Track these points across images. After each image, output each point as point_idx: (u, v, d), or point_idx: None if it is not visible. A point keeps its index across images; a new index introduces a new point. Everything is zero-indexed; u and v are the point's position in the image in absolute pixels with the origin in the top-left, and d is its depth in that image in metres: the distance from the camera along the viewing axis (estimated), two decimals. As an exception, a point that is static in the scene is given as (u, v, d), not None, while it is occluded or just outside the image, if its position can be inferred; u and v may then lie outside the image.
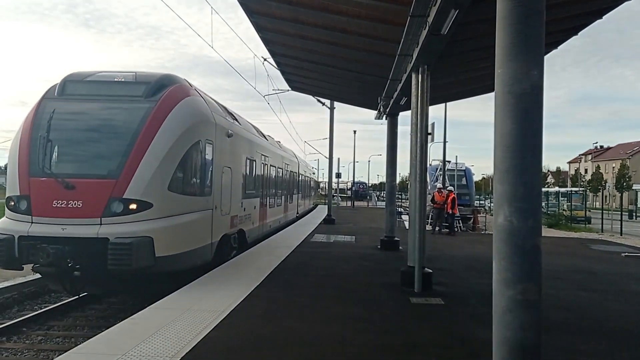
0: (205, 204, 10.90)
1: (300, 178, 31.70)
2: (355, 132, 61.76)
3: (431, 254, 13.06)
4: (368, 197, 71.53)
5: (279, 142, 25.40)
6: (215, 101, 12.82)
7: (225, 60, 20.92)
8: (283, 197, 23.21)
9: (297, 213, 29.73)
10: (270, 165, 19.05)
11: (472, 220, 27.49)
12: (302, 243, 16.82)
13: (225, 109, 13.66)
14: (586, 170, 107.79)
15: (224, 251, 12.46)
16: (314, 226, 23.86)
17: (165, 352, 5.74)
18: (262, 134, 18.92)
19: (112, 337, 6.20)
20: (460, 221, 25.17)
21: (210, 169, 11.17)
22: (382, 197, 70.17)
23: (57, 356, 5.52)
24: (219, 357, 5.77)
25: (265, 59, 19.94)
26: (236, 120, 14.24)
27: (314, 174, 47.57)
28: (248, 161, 14.92)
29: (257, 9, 10.02)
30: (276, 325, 7.08)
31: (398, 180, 22.45)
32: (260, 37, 11.64)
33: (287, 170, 24.54)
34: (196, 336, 6.37)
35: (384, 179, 24.23)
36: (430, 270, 10.06)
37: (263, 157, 17.36)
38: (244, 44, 37.39)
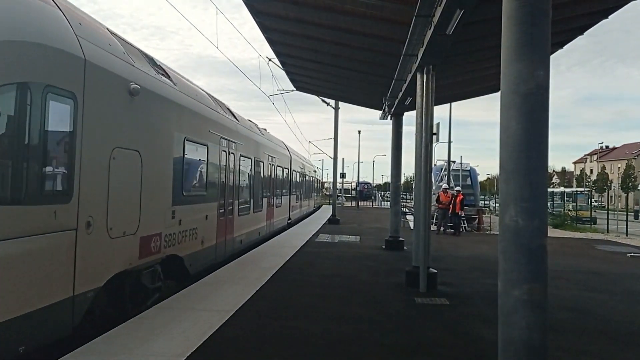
0: (46, 221, 5.57)
1: (295, 176, 27.09)
2: (359, 132, 61.88)
3: (436, 254, 13.06)
4: (372, 197, 71.49)
5: (265, 129, 20.62)
6: (106, 29, 7.54)
7: (230, 60, 20.80)
8: (265, 199, 17.86)
9: (289, 219, 24.46)
10: (242, 156, 13.95)
11: (476, 220, 27.49)
12: (307, 243, 16.84)
13: (140, 51, 8.56)
14: (591, 171, 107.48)
15: (124, 301, 7.53)
16: (318, 226, 23.88)
17: (172, 352, 5.76)
18: (229, 111, 13.75)
19: (118, 336, 6.22)
20: (465, 221, 25.15)
21: (68, 149, 6.01)
22: (387, 197, 70.19)
23: (64, 355, 5.54)
24: (224, 356, 5.78)
25: (270, 59, 20.04)
26: (164, 74, 9.11)
27: (315, 172, 43.91)
28: (190, 145, 9.71)
29: (262, 9, 10.04)
30: (282, 325, 7.10)
31: (403, 180, 22.11)
32: (265, 37, 11.66)
33: (272, 165, 19.27)
34: (202, 335, 6.39)
35: (388, 179, 24.32)
36: (435, 271, 10.07)
37: (226, 142, 12.22)
38: (249, 44, 37.48)
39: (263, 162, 17.29)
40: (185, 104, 9.68)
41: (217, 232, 11.64)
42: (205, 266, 10.93)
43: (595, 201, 67.14)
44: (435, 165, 31.54)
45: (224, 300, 8.30)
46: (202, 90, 12.03)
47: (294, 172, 26.71)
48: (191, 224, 9.90)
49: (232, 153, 12.89)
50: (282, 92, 24.30)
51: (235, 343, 6.23)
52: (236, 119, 14.19)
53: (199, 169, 10.65)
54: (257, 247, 15.34)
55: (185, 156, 9.55)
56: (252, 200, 15.42)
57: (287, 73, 15.75)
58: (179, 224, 9.25)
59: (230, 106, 14.49)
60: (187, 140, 9.61)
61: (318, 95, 23.16)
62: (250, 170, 15.29)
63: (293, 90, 19.45)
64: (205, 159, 10.86)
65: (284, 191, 22.71)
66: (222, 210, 12.10)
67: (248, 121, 16.84)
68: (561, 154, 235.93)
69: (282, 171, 22.18)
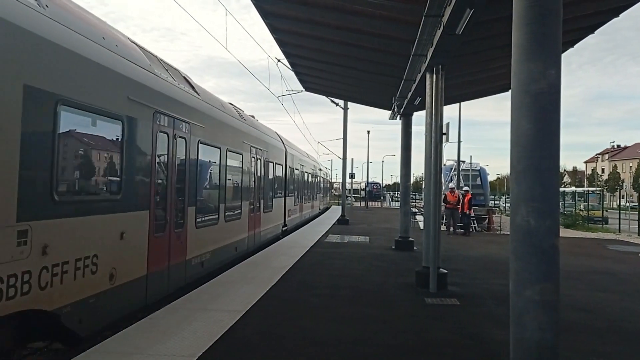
0: None
1: (293, 174, 23.28)
2: (369, 132, 61.56)
3: (446, 254, 13.02)
4: (382, 198, 71.39)
5: (252, 116, 17.29)
6: None
7: (239, 61, 20.63)
8: (247, 203, 14.06)
9: (285, 226, 20.68)
10: (204, 144, 10.27)
11: (487, 220, 27.35)
12: (317, 243, 16.84)
13: None
14: (603, 170, 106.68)
15: None
16: (327, 227, 23.87)
17: (183, 351, 5.79)
18: (185, 80, 10.41)
19: (130, 336, 6.27)
20: (475, 221, 25.05)
21: None
22: (396, 197, 70.03)
23: (76, 355, 5.59)
24: (235, 357, 5.80)
25: (279, 60, 20.04)
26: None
27: (321, 170, 41.20)
28: (74, 116, 5.97)
29: (271, 10, 10.05)
30: (292, 325, 7.11)
31: (412, 180, 21.79)
32: (274, 38, 11.67)
33: (258, 160, 15.39)
34: (213, 336, 6.41)
35: (398, 179, 24.20)
36: (445, 271, 10.04)
37: (168, 120, 8.61)
38: (258, 45, 37.33)
39: (243, 154, 13.62)
40: (63, 42, 5.82)
41: (148, 257, 7.91)
42: (124, 313, 7.25)
43: (630, 201, 65.58)
44: (444, 165, 31.45)
45: (235, 300, 8.33)
46: (131, 40, 8.43)
47: (292, 170, 22.96)
48: (78, 250, 6.07)
49: (181, 137, 9.21)
50: (291, 92, 24.35)
51: (245, 343, 6.25)
52: (196, 92, 10.48)
53: (103, 158, 6.90)
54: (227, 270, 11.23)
55: (60, 133, 5.72)
56: (222, 205, 11.72)
57: (297, 74, 15.76)
58: (42, 254, 5.39)
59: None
60: (63, 105, 5.75)
61: (327, 96, 23.15)
62: (220, 164, 11.63)
63: (302, 90, 19.45)
64: (120, 143, 7.10)
65: (277, 192, 19.07)
66: (162, 222, 8.46)
67: (228, 104, 13.38)
68: (572, 154, 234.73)
69: (274, 168, 18.34)
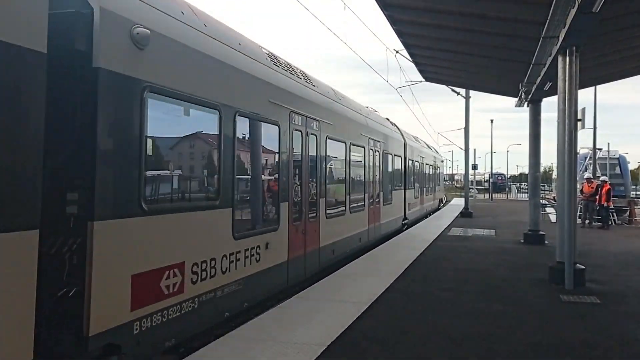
0: None
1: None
2: (492, 121, 58.91)
3: (582, 249, 12.13)
4: (507, 189, 68.19)
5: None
6: None
7: (358, 54, 20.67)
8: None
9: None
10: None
11: (627, 212, 25.09)
12: (439, 237, 16.51)
13: None
14: None
15: None
16: (450, 220, 23.30)
17: (312, 340, 5.97)
18: None
19: (262, 324, 6.58)
20: (614, 214, 23.12)
21: None
22: (522, 189, 66.27)
23: (214, 340, 5.98)
24: (363, 348, 5.87)
25: (397, 52, 19.90)
26: None
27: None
28: None
29: (391, 1, 9.99)
30: (418, 319, 7.04)
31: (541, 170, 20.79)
32: (394, 29, 11.58)
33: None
34: (340, 326, 6.53)
35: (523, 170, 23.05)
36: (583, 267, 9.37)
37: None
38: (376, 37, 37.21)
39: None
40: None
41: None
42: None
43: None
44: (578, 153, 29.37)
45: (359, 292, 8.41)
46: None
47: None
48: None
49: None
50: (411, 83, 24.00)
51: (372, 335, 6.30)
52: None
53: None
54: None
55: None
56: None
57: (416, 64, 15.54)
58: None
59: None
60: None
61: (448, 85, 22.59)
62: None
63: (422, 81, 19.17)
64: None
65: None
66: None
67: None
68: None
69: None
